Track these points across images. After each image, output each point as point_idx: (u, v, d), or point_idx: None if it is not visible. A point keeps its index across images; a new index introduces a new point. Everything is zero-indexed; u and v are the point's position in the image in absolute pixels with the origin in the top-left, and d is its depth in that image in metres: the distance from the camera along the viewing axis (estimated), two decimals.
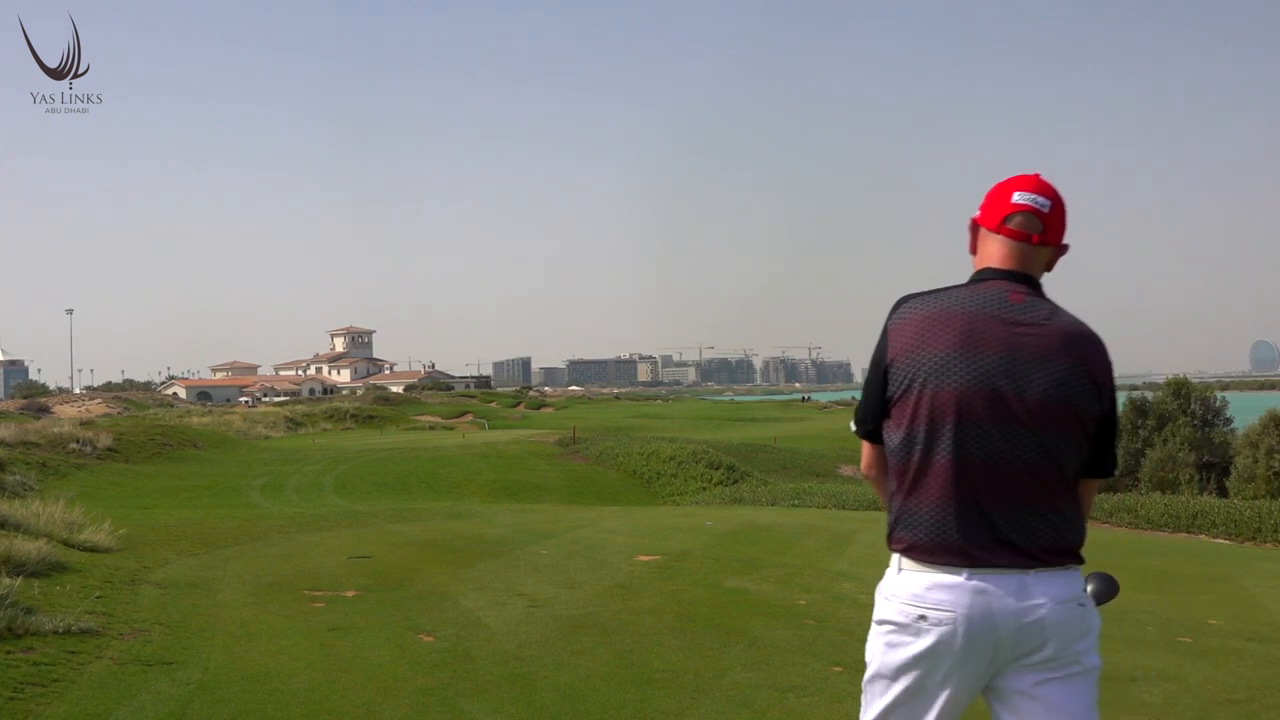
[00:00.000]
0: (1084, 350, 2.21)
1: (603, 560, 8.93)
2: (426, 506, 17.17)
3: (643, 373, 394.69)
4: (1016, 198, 2.29)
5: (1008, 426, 2.17)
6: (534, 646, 5.67)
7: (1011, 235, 2.28)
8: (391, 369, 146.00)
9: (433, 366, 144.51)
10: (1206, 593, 7.80)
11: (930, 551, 2.20)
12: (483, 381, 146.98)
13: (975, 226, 2.37)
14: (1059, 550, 2.20)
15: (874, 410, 2.33)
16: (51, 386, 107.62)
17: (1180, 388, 30.72)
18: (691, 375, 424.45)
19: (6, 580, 5.87)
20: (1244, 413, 31.02)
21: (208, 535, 10.25)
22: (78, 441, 25.90)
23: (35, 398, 80.00)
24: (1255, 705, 4.76)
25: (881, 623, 2.30)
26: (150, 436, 31.24)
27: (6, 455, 21.22)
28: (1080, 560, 2.26)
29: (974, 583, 2.16)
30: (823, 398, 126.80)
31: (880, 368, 2.30)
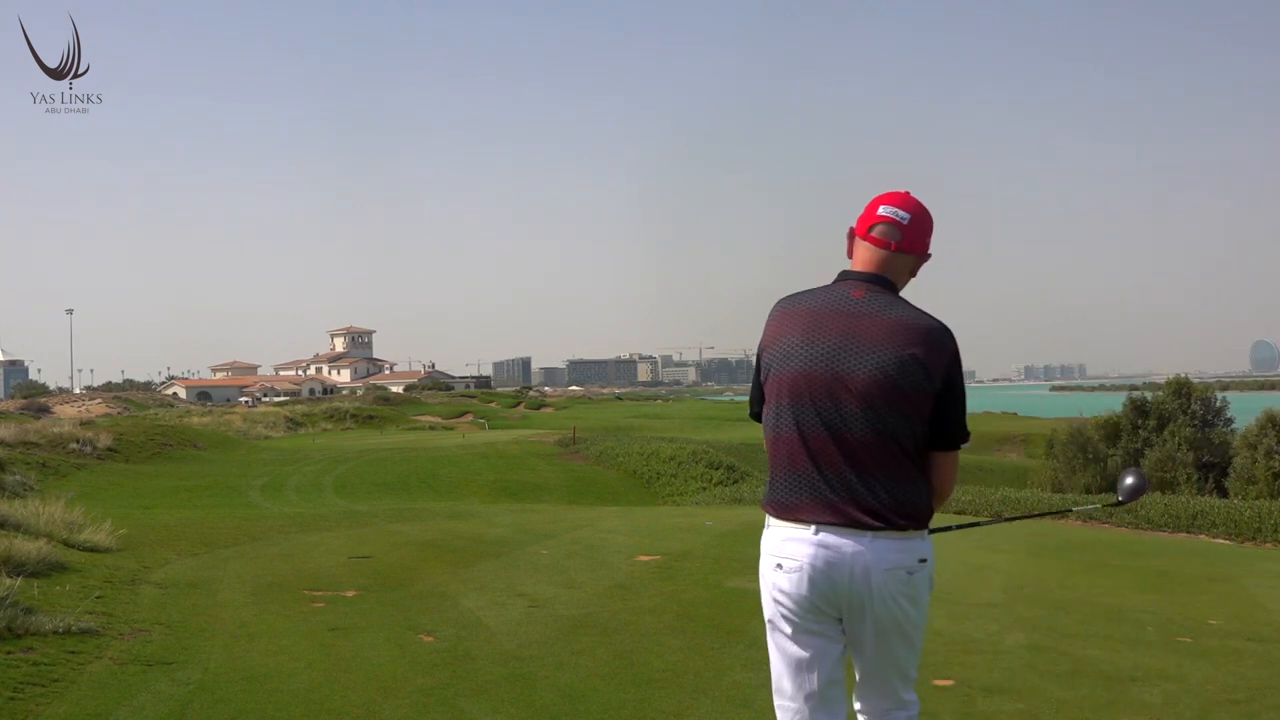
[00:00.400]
0: (914, 337, 2.51)
1: (603, 560, 8.93)
2: (426, 506, 17.17)
3: (643, 373, 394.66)
4: (881, 210, 2.65)
5: (840, 402, 2.51)
6: (534, 646, 5.67)
7: (873, 242, 2.64)
8: (391, 369, 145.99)
9: (433, 366, 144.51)
10: (1206, 593, 7.80)
11: (785, 509, 2.58)
12: (483, 381, 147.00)
13: (851, 234, 2.72)
14: (896, 514, 2.50)
15: (755, 394, 2.75)
16: (51, 386, 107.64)
17: (1181, 388, 30.70)
18: (691, 375, 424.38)
19: (6, 580, 5.87)
20: (1244, 413, 31.00)
21: (208, 535, 10.25)
22: (78, 441, 25.90)
23: (35, 398, 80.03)
24: (1255, 705, 4.76)
25: (761, 573, 2.67)
26: (150, 436, 31.24)
27: (6, 455, 21.22)
28: (920, 525, 2.55)
29: (819, 537, 2.52)
30: None
31: (757, 358, 2.73)
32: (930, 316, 2.57)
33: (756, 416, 2.75)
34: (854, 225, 2.70)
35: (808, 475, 2.54)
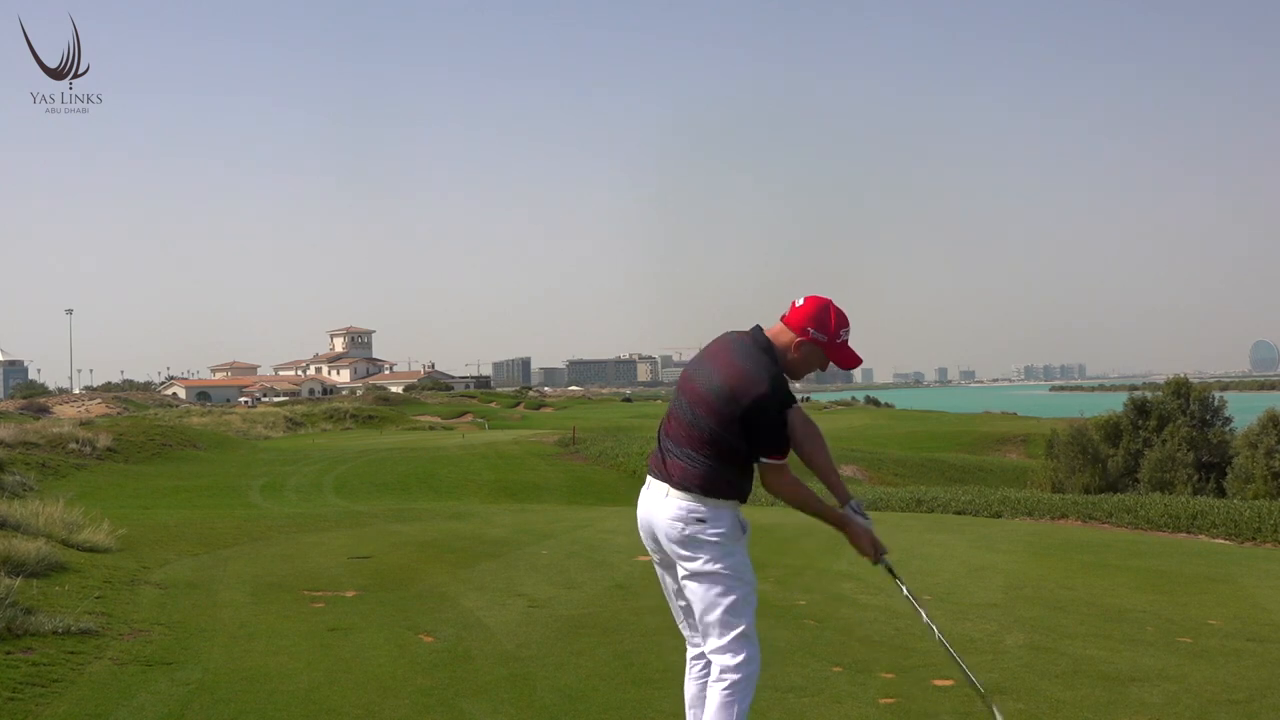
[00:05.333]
0: (734, 374, 3.31)
1: (603, 560, 8.93)
2: (426, 507, 17.16)
3: (642, 373, 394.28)
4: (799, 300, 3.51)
5: (684, 399, 3.41)
6: (534, 646, 5.67)
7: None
8: (391, 369, 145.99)
9: (432, 366, 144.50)
10: (1206, 593, 7.79)
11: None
12: (482, 382, 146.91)
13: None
14: (686, 481, 3.33)
15: None
16: (51, 387, 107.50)
17: (1180, 388, 30.65)
18: None
19: (6, 580, 5.86)
20: (1244, 413, 30.99)
21: (208, 535, 10.25)
22: (77, 441, 25.85)
23: (35, 398, 79.95)
24: (1255, 705, 4.76)
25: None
26: (150, 437, 31.19)
27: (6, 455, 21.20)
28: (705, 492, 3.32)
29: (646, 488, 3.50)
30: (823, 398, 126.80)
31: None
32: (757, 366, 3.32)
33: None
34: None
35: (659, 443, 3.52)
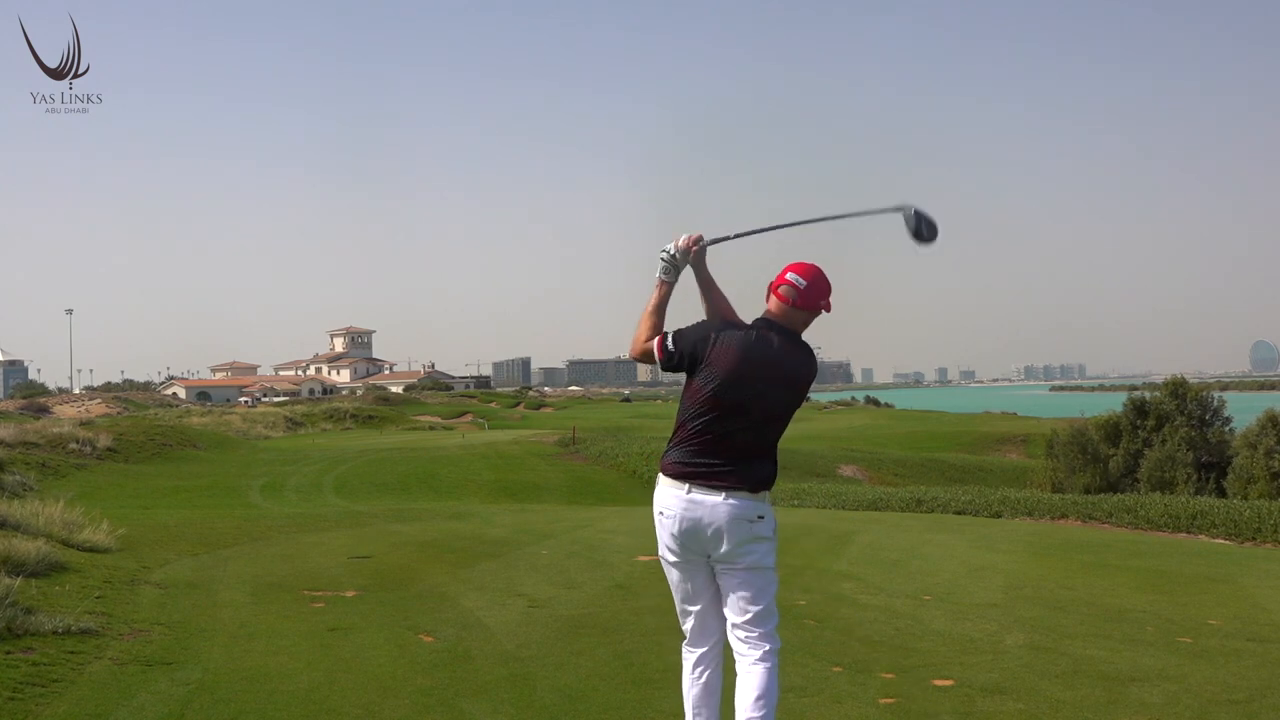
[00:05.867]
0: (808, 367, 3.64)
1: (603, 560, 8.93)
2: (426, 507, 17.15)
3: (642, 373, 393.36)
4: (788, 275, 3.62)
5: (756, 407, 3.57)
6: (534, 646, 5.67)
7: (780, 298, 3.64)
8: (391, 369, 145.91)
9: (432, 366, 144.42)
10: (1206, 593, 7.79)
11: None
12: (482, 381, 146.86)
13: (769, 288, 3.68)
14: (757, 484, 3.57)
15: (690, 356, 3.64)
16: (51, 386, 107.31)
17: (1178, 388, 30.64)
18: None
19: (6, 580, 5.86)
20: (1243, 413, 30.98)
21: (208, 535, 10.25)
22: (77, 441, 25.84)
23: (35, 398, 79.88)
24: (1255, 705, 4.76)
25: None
26: (150, 436, 31.17)
27: (6, 455, 21.19)
28: (769, 490, 3.64)
29: (683, 492, 3.59)
30: (822, 398, 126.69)
31: (702, 347, 3.61)
32: (807, 353, 3.65)
33: (675, 361, 3.66)
34: (771, 281, 3.66)
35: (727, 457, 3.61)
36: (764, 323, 3.63)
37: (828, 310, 3.65)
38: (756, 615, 3.55)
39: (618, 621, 6.36)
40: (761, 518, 3.55)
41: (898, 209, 3.69)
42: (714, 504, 3.52)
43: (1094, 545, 10.69)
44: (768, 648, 3.55)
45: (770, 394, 3.56)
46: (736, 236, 3.76)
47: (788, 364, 3.57)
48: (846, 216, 3.71)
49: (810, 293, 3.59)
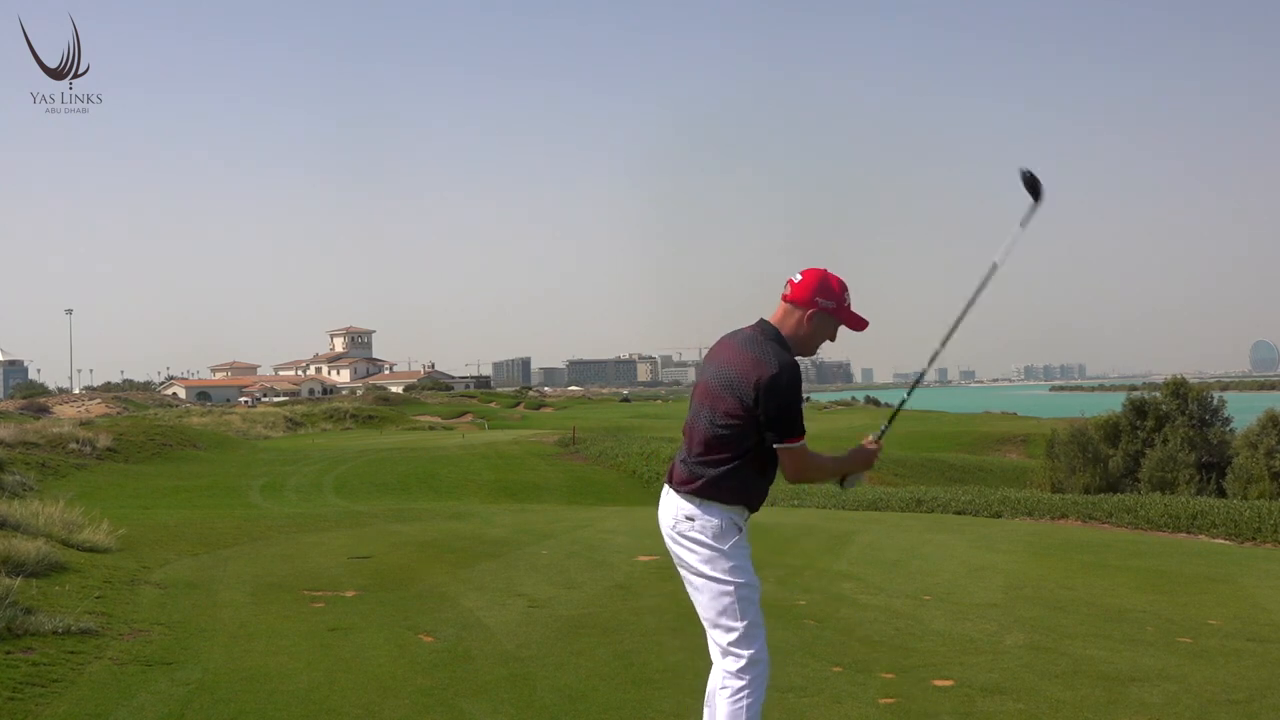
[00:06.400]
0: (742, 361, 3.35)
1: (603, 560, 8.93)
2: (426, 507, 17.15)
3: (642, 373, 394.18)
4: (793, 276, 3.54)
5: (695, 402, 3.48)
6: (534, 646, 5.67)
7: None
8: (391, 369, 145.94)
9: (432, 366, 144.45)
10: (1206, 593, 7.80)
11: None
12: (482, 381, 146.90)
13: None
14: (686, 483, 3.40)
15: None
16: (51, 386, 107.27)
17: (1178, 388, 30.65)
18: (691, 375, 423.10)
19: (6, 580, 5.87)
20: (1243, 413, 30.99)
21: (208, 535, 10.25)
22: (77, 441, 25.83)
23: (35, 398, 79.87)
24: (1255, 705, 4.76)
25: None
26: (150, 436, 31.17)
27: (6, 455, 21.18)
28: (699, 494, 3.38)
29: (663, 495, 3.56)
30: (822, 398, 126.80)
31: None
32: (765, 353, 3.34)
33: None
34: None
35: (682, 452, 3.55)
36: (758, 321, 3.51)
37: (832, 313, 3.44)
38: (713, 629, 3.34)
39: (618, 621, 6.36)
40: (690, 519, 3.36)
41: (1024, 182, 3.70)
42: (663, 500, 3.52)
43: (1094, 545, 10.69)
44: (726, 671, 3.29)
45: (707, 383, 3.41)
46: (890, 422, 3.79)
47: (729, 355, 3.39)
48: (986, 285, 3.73)
49: (800, 287, 3.44)
